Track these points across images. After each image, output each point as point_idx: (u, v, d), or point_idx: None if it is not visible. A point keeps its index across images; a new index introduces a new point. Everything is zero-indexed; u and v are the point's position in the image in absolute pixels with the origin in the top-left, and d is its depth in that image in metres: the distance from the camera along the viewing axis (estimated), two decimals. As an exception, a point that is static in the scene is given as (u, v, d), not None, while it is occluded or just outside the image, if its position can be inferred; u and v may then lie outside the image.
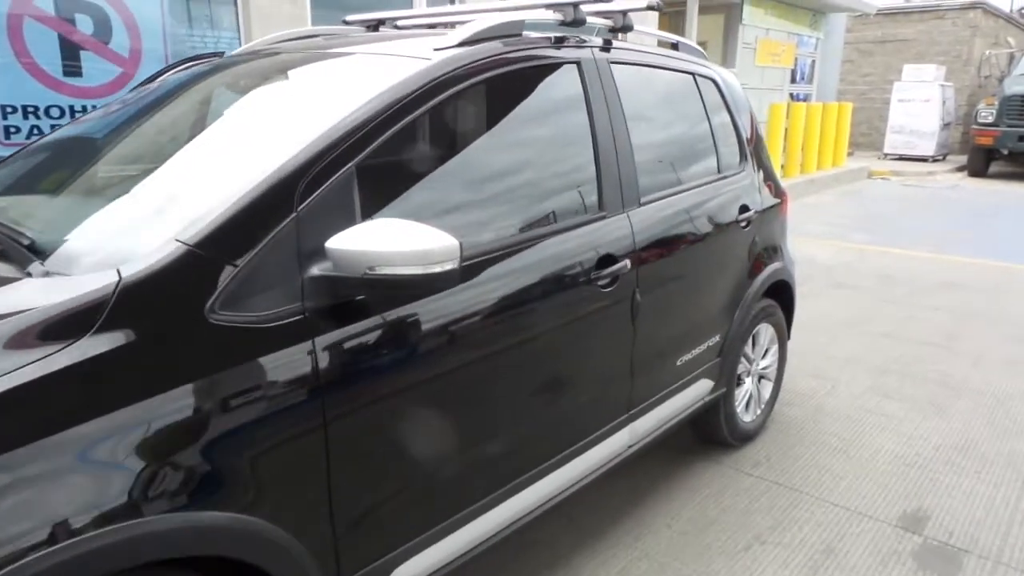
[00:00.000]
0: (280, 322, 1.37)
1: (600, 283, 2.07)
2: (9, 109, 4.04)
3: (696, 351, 2.64)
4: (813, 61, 13.60)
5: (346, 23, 2.93)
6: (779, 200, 3.20)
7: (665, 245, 2.37)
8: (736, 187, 2.84)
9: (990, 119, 13.36)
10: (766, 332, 3.19)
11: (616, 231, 2.15)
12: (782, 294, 3.23)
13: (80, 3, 4.19)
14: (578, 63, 2.15)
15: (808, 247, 7.31)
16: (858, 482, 2.93)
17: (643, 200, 2.29)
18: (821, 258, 6.91)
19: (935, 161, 15.30)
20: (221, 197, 1.40)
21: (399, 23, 2.80)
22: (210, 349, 1.29)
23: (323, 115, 1.59)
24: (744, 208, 2.84)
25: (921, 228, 8.51)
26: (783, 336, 3.32)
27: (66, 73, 4.21)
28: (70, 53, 4.21)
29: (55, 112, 4.19)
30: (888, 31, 18.03)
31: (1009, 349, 4.47)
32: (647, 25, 8.61)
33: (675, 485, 2.89)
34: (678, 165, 2.57)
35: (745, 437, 3.16)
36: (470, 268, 1.70)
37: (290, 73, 2.06)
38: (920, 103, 15.32)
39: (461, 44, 1.87)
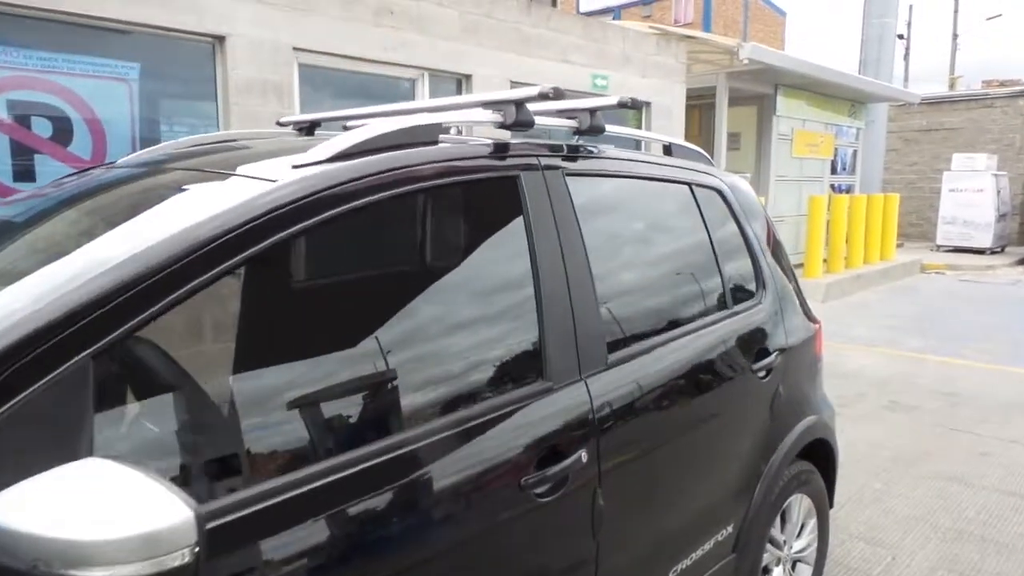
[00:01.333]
0: None
1: (538, 491, 1.44)
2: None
3: (698, 553, 1.95)
4: (855, 151, 13.03)
5: (279, 125, 2.46)
6: (811, 331, 2.54)
7: (644, 420, 1.74)
8: (751, 324, 2.21)
9: (1052, 209, 12.50)
10: (800, 505, 2.47)
11: (565, 410, 1.54)
12: (819, 454, 2.53)
13: (36, 105, 3.90)
14: (516, 179, 1.60)
15: (855, 356, 6.51)
16: None
17: (612, 360, 1.68)
18: (871, 370, 6.10)
19: (993, 253, 14.36)
20: None
21: (348, 123, 2.29)
22: None
23: (82, 266, 1.05)
24: (763, 353, 2.20)
25: (985, 332, 7.62)
26: (824, 507, 2.59)
27: (16, 178, 3.87)
28: (22, 157, 3.89)
29: None
30: (933, 119, 17.45)
31: (1116, 504, 3.59)
32: (671, 119, 8.23)
33: None
34: (667, 305, 1.96)
35: (776, 648, 2.40)
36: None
37: (117, 199, 1.55)
38: (973, 193, 14.54)
39: (335, 158, 1.34)
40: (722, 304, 2.15)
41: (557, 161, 1.71)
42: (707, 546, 1.97)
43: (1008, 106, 16.60)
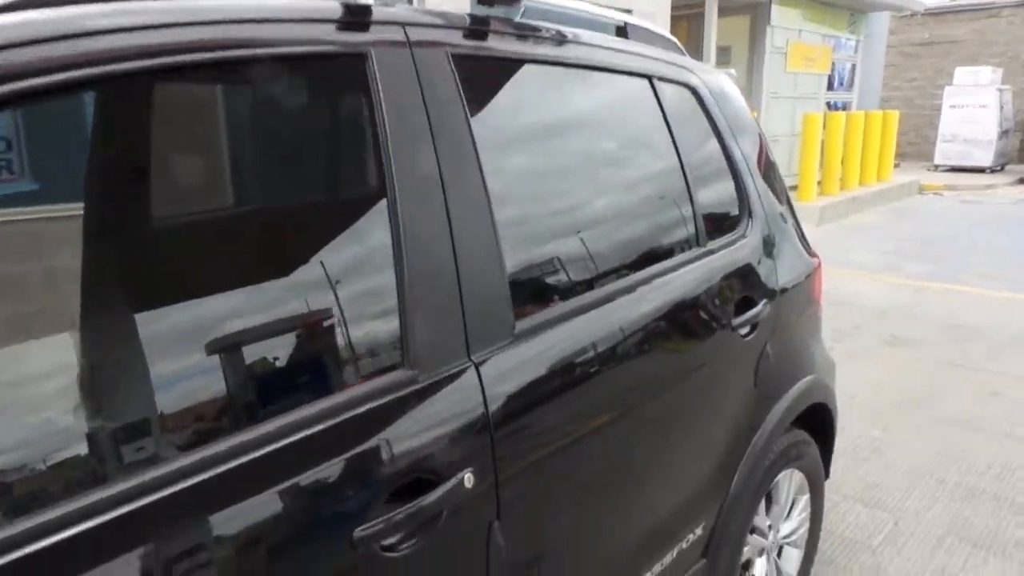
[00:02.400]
0: None
1: (387, 543, 0.95)
2: None
3: (653, 572, 1.49)
4: (853, 66, 12.26)
5: None
6: (808, 268, 2.03)
7: (571, 413, 1.24)
8: (731, 265, 1.69)
9: (1058, 125, 11.88)
10: (790, 482, 2.01)
11: (438, 412, 1.03)
12: (816, 419, 2.06)
13: None
14: (364, 58, 1.04)
15: (851, 284, 6.04)
16: None
17: (521, 329, 1.16)
18: (870, 299, 5.65)
19: (993, 172, 13.78)
20: None
21: None
22: None
23: None
24: (747, 303, 1.69)
25: (990, 256, 7.14)
26: (818, 481, 2.14)
27: None
28: None
29: None
30: (936, 32, 16.54)
31: None
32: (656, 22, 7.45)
33: None
34: (607, 248, 1.43)
35: (759, 653, 1.98)
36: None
37: None
38: (975, 109, 13.83)
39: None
40: (692, 241, 1.63)
41: (439, 35, 1.15)
42: (667, 559, 1.51)
43: (1015, 15, 15.68)
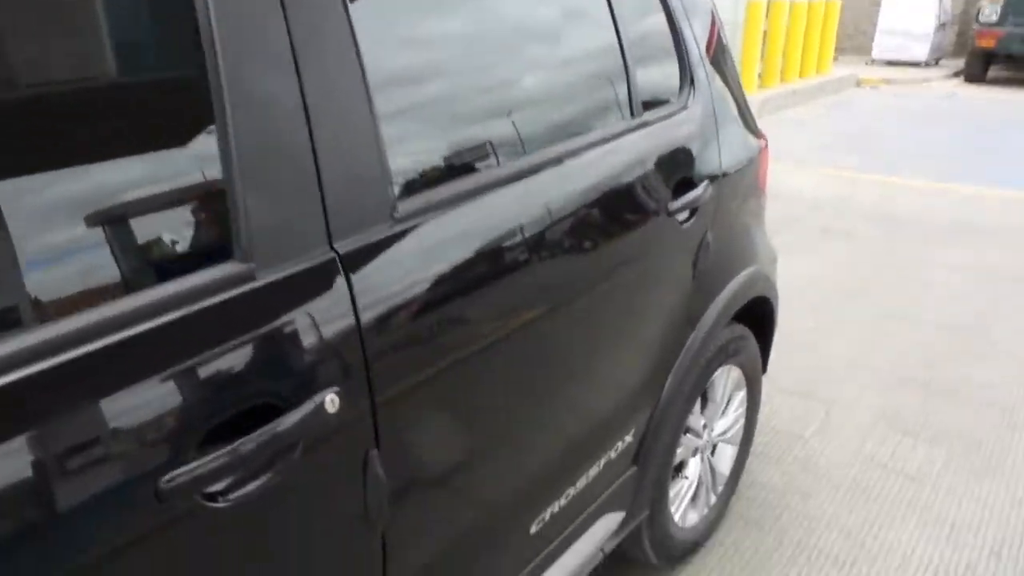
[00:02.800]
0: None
1: (211, 491, 0.75)
2: None
3: (577, 487, 1.35)
4: (797, -50, 11.81)
5: None
6: (754, 150, 1.84)
7: (469, 314, 1.04)
8: (669, 142, 1.48)
9: (994, 18, 11.89)
10: (727, 379, 1.90)
11: (284, 322, 0.81)
12: (756, 314, 1.93)
13: None
14: None
15: (792, 176, 5.97)
16: (877, 642, 1.73)
17: (404, 211, 0.94)
18: (807, 191, 5.60)
19: (928, 66, 13.80)
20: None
21: None
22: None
23: None
24: (685, 184, 1.49)
25: (921, 148, 7.17)
26: (756, 376, 2.04)
27: None
28: None
29: None
30: (880, -84, 16.05)
31: (1065, 336, 3.23)
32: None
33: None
34: (520, 114, 1.19)
35: (684, 552, 1.92)
36: None
37: None
38: (914, 0, 13.68)
39: None
40: (624, 111, 1.40)
41: None
42: (592, 472, 1.37)
43: (958, -99, 15.32)
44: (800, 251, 4.33)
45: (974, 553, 2.01)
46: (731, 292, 1.67)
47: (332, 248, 0.85)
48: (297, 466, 0.80)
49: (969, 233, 4.61)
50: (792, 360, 3.05)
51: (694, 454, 1.88)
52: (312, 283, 0.82)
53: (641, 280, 1.39)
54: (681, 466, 1.87)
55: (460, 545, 1.11)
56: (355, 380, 0.85)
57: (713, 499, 2.00)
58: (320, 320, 0.82)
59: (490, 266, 1.05)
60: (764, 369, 2.12)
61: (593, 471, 1.37)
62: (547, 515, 1.28)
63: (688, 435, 1.81)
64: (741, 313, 1.81)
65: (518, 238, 1.09)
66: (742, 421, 2.04)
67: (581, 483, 1.34)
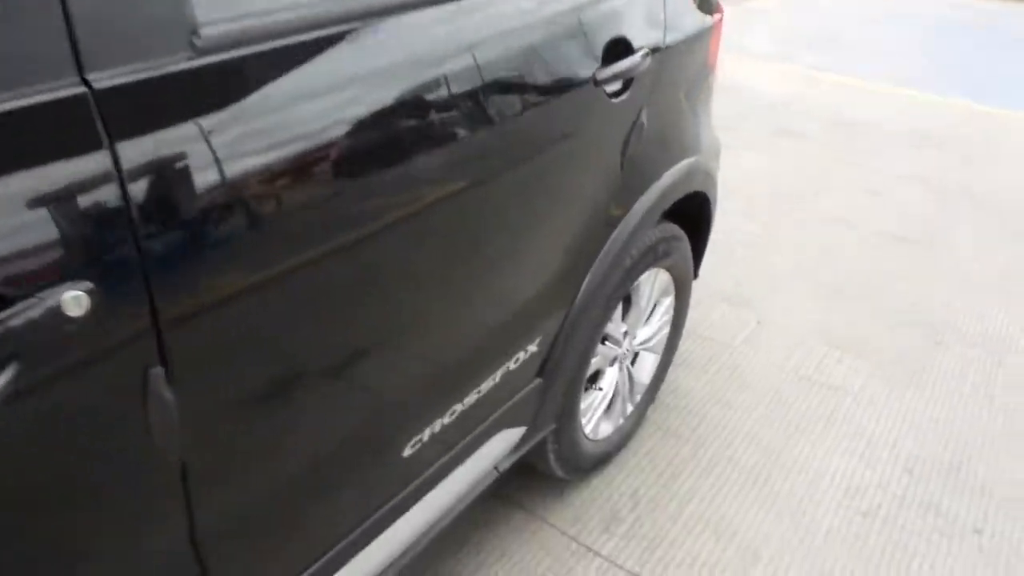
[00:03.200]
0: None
1: None
2: None
3: (465, 404, 1.16)
4: None
5: None
6: (704, 24, 1.57)
7: (312, 193, 0.79)
8: (603, -6, 1.19)
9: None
10: (653, 283, 1.71)
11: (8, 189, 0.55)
12: (690, 212, 1.73)
13: None
14: None
15: (745, 70, 5.68)
16: (783, 559, 1.66)
17: (210, 36, 0.66)
18: (763, 87, 5.34)
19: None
20: None
21: None
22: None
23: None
24: (618, 50, 1.22)
25: (883, 48, 6.93)
26: (686, 280, 1.86)
27: None
28: None
29: None
30: None
31: (1010, 253, 3.16)
32: None
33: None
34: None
35: (594, 465, 1.80)
36: None
37: None
38: None
39: None
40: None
41: None
42: (485, 386, 1.18)
43: None
44: (749, 149, 4.12)
45: (887, 468, 1.95)
46: (665, 185, 1.44)
47: (82, 77, 0.58)
48: (39, 380, 0.57)
49: (924, 144, 4.46)
50: (729, 264, 2.90)
51: (612, 363, 1.72)
52: (41, 128, 0.56)
53: (554, 161, 1.14)
54: (596, 376, 1.71)
55: (297, 479, 0.91)
56: (119, 269, 0.61)
57: (630, 409, 1.86)
58: (56, 180, 0.56)
59: (342, 126, 0.79)
60: (696, 274, 1.94)
61: (487, 385, 1.18)
62: (426, 435, 1.09)
63: (607, 344, 1.63)
64: (674, 210, 1.59)
65: (385, 90, 0.83)
66: (667, 329, 1.87)
67: (471, 398, 1.15)
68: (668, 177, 1.45)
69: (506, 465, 1.37)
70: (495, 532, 1.69)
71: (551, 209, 1.17)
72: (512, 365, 1.22)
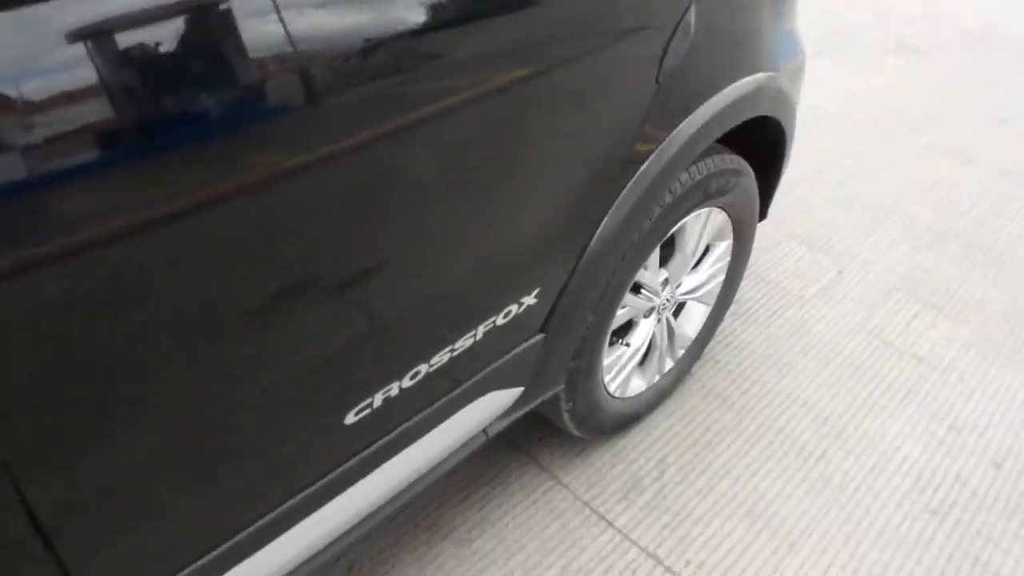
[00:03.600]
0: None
1: None
2: None
3: (433, 365, 0.96)
4: None
5: None
6: None
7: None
8: None
9: None
10: (704, 224, 1.44)
11: None
12: (761, 140, 1.42)
13: None
14: None
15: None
16: (824, 556, 1.43)
17: None
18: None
19: None
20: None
21: None
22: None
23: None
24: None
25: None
26: (749, 222, 1.56)
27: None
28: None
29: None
30: None
31: None
32: None
33: (443, 539, 1.42)
34: None
35: (617, 425, 1.59)
36: None
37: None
38: None
39: None
40: None
41: None
42: (459, 345, 0.97)
43: None
44: (857, 68, 3.61)
45: (971, 460, 1.66)
46: (718, 106, 1.14)
47: None
48: None
49: (1073, 65, 3.80)
50: (813, 201, 2.54)
51: (647, 315, 1.48)
52: None
53: (563, 72, 0.88)
54: (629, 327, 1.48)
55: (203, 441, 0.74)
56: None
57: (669, 364, 1.63)
58: None
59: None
60: (763, 215, 1.64)
61: (464, 343, 0.97)
62: (377, 400, 0.90)
63: (641, 294, 1.39)
64: (735, 137, 1.30)
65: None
66: (721, 277, 1.60)
67: (440, 358, 0.95)
68: (723, 97, 1.15)
69: (497, 429, 1.18)
70: (504, 487, 1.54)
71: (548, 137, 0.92)
72: (500, 320, 1.01)
